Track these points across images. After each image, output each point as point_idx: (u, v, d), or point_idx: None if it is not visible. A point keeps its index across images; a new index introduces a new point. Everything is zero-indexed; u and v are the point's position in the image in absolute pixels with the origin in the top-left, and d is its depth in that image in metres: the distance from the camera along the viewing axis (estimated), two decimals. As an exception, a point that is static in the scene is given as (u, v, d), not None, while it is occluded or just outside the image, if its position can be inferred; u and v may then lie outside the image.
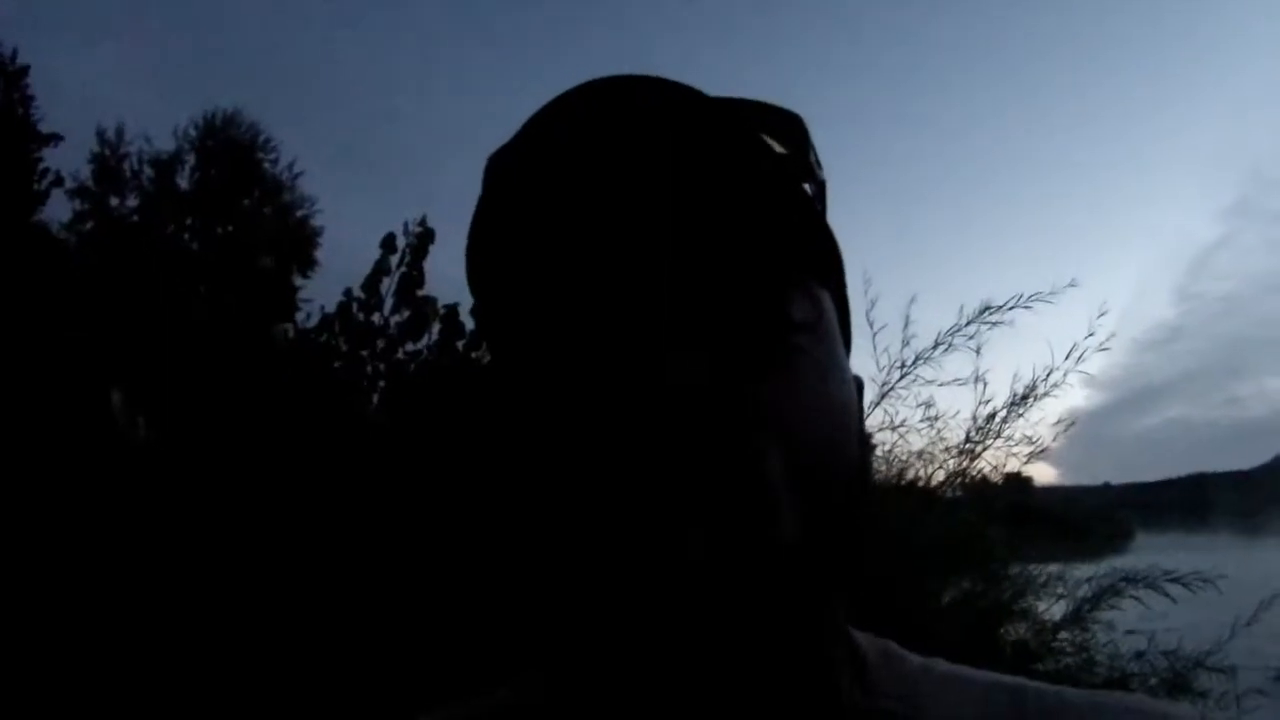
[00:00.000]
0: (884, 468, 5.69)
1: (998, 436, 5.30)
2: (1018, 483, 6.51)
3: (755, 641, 0.60)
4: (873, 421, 5.48)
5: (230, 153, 23.50)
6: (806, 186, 0.74)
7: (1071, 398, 5.68)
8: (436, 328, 5.16)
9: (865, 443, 0.77)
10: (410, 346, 5.11)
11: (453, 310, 5.19)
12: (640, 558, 0.58)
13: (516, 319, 0.71)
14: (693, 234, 0.65)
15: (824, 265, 0.75)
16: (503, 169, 0.70)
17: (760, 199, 0.68)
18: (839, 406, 0.69)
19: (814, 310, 0.71)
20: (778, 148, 0.71)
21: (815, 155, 0.77)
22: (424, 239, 5.34)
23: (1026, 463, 5.53)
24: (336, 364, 5.08)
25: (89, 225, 21.81)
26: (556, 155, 0.67)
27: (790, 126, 0.75)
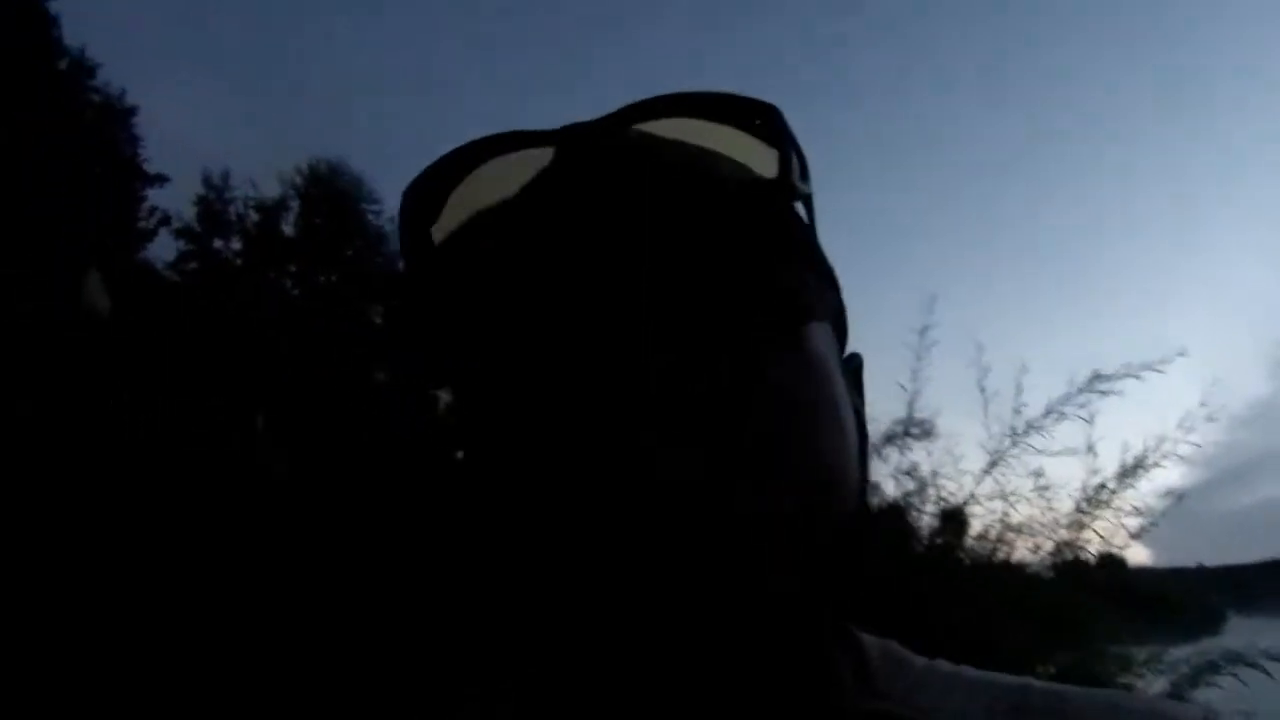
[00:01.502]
0: (989, 540, 5.66)
1: (1107, 507, 5.27)
2: (1112, 563, 6.43)
3: (752, 653, 0.61)
4: (983, 490, 5.46)
5: (334, 202, 23.79)
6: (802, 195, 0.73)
7: (1169, 476, 5.62)
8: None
9: (865, 436, 0.77)
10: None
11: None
12: (636, 568, 0.58)
13: (485, 396, 0.70)
14: (669, 302, 0.62)
15: (814, 298, 0.72)
16: (467, 236, 0.68)
17: (737, 255, 0.65)
18: (833, 453, 0.68)
19: (801, 359, 0.68)
20: (757, 151, 0.69)
21: (799, 158, 0.72)
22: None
23: (1135, 536, 5.48)
24: (439, 410, 5.15)
25: (193, 265, 22.20)
26: (518, 217, 0.66)
27: (767, 121, 0.71)
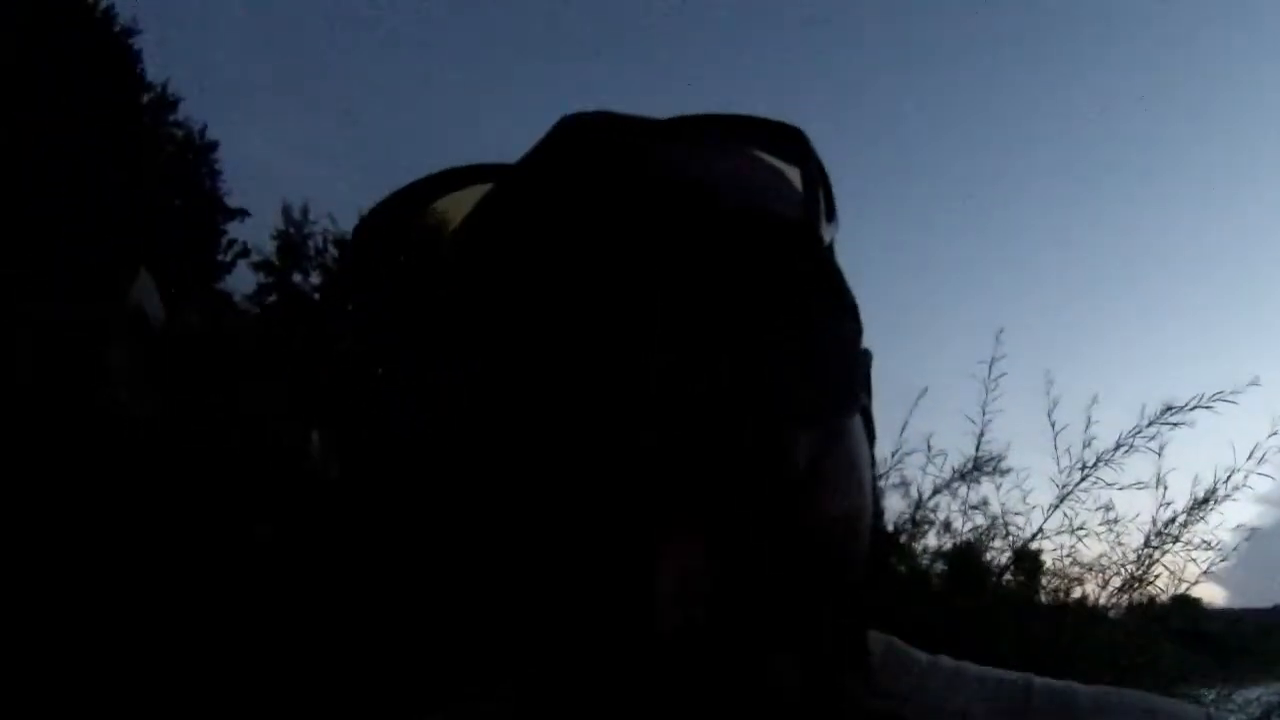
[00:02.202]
0: (1057, 579, 5.62)
1: (1176, 541, 5.21)
2: (1185, 602, 6.34)
3: (766, 654, 0.60)
4: (1051, 524, 5.41)
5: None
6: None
7: (1245, 512, 5.54)
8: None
9: (873, 436, 0.76)
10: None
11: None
12: (656, 579, 0.56)
13: (527, 326, 0.64)
14: (720, 249, 0.61)
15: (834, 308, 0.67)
16: (468, 248, 0.67)
17: (764, 331, 0.62)
18: (851, 518, 0.66)
19: (823, 440, 0.65)
20: (776, 166, 0.69)
21: (826, 191, 0.69)
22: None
23: (1205, 572, 5.41)
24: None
25: (272, 299, 22.39)
26: (517, 263, 0.63)
27: (792, 145, 0.70)
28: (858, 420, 0.70)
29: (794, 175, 0.70)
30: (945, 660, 0.80)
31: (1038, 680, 0.77)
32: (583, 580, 0.60)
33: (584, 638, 0.62)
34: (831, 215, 0.70)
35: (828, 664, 0.68)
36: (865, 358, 0.79)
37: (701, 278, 0.60)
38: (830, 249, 0.70)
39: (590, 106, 0.65)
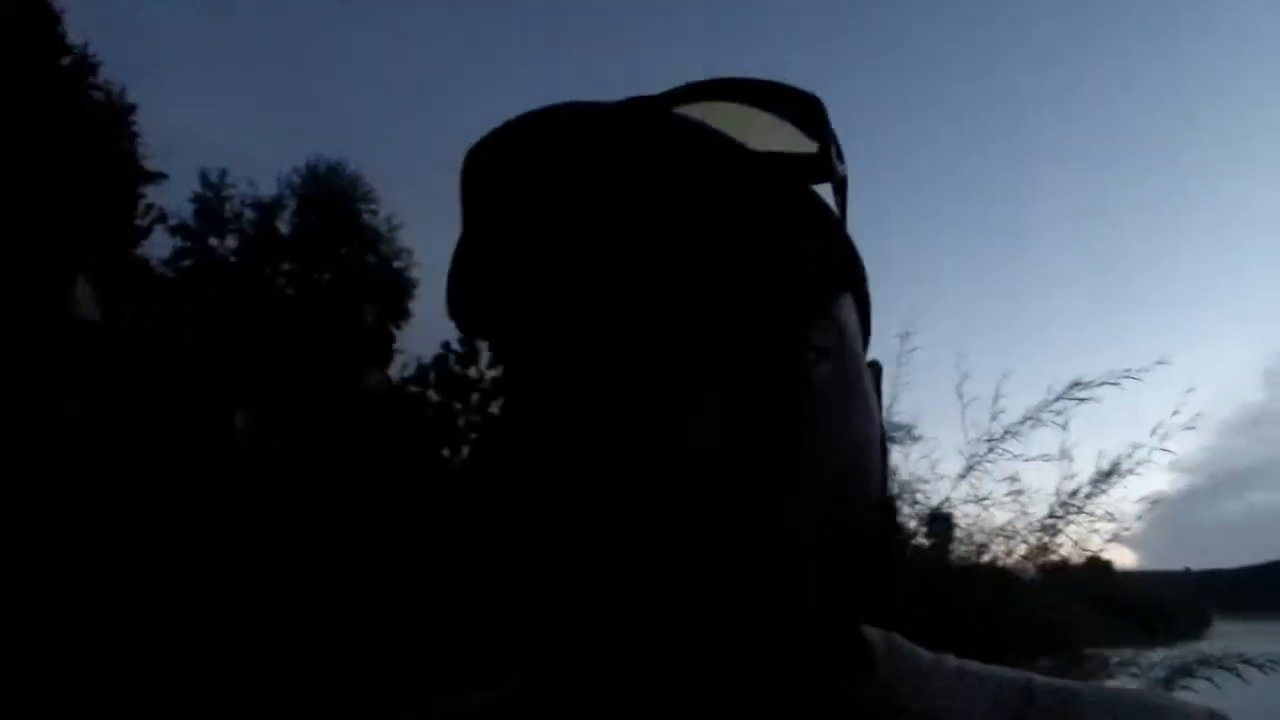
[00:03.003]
0: (967, 544, 5.69)
1: (1080, 512, 5.29)
2: (1098, 566, 6.42)
3: (767, 653, 0.60)
4: (958, 494, 5.49)
5: (331, 201, 23.67)
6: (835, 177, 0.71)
7: (1155, 481, 5.63)
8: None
9: (886, 451, 0.76)
10: (505, 401, 5.16)
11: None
12: (656, 579, 0.58)
13: (528, 345, 0.68)
14: (712, 248, 0.62)
15: (844, 273, 0.72)
16: (492, 201, 0.66)
17: (782, 218, 0.64)
18: (861, 441, 0.68)
19: (835, 331, 0.68)
20: (794, 138, 0.68)
21: (836, 146, 0.71)
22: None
23: (1109, 541, 5.50)
24: (427, 413, 5.14)
25: (188, 263, 22.09)
26: (554, 182, 0.63)
27: (807, 109, 0.70)
28: (859, 402, 0.71)
29: (807, 143, 0.69)
30: (948, 659, 0.80)
31: (1039, 679, 0.77)
32: (584, 574, 0.61)
33: (585, 632, 0.63)
34: (843, 183, 0.73)
35: (828, 662, 0.69)
36: (876, 367, 0.80)
37: (720, 221, 0.62)
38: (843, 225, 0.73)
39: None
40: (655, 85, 0.70)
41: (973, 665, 0.79)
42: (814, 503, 0.61)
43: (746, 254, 0.63)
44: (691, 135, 0.63)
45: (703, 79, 0.69)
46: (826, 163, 0.67)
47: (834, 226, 0.70)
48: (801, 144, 0.68)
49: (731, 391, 0.60)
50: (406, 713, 0.88)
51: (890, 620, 0.80)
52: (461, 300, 0.70)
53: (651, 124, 0.63)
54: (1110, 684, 5.38)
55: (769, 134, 0.67)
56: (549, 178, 0.63)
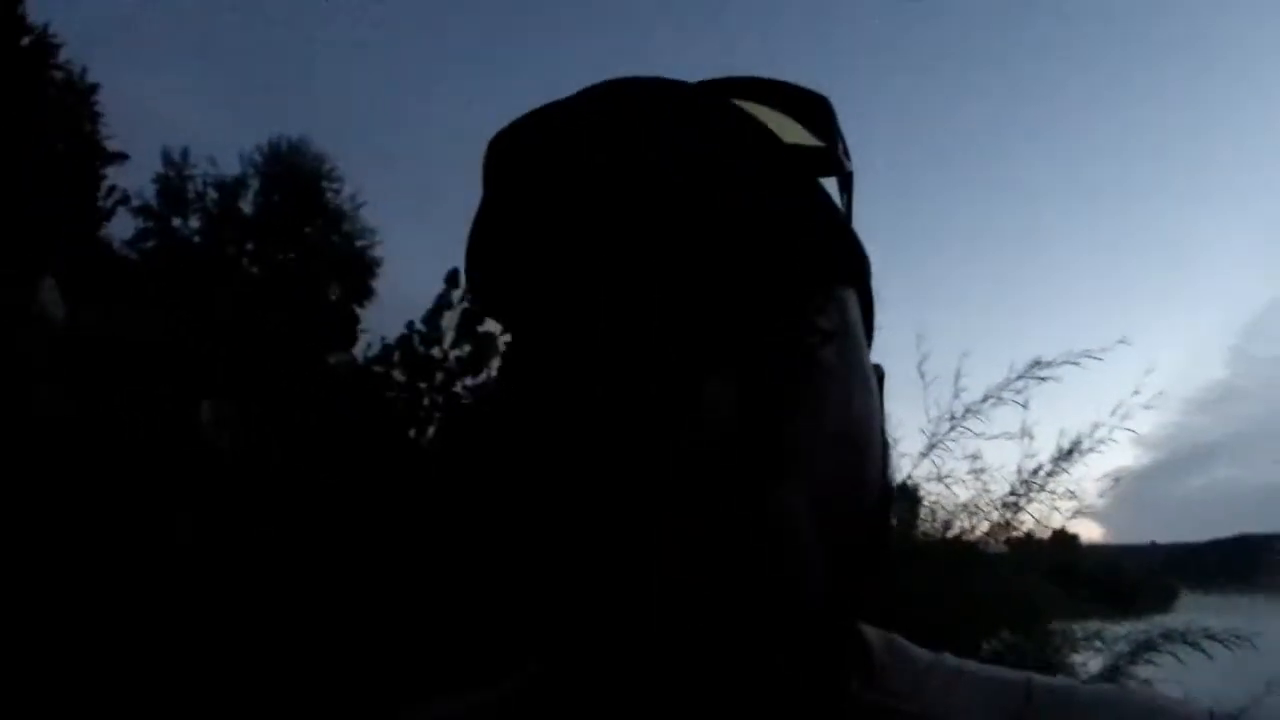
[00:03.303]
0: (930, 519, 5.71)
1: (1041, 490, 5.33)
2: (1063, 540, 6.47)
3: (768, 653, 0.59)
4: (920, 473, 5.52)
5: (294, 180, 23.61)
6: (837, 177, 0.73)
7: (1120, 456, 5.69)
8: (496, 364, 5.21)
9: (887, 445, 0.76)
10: (469, 381, 5.16)
11: (513, 346, 5.23)
12: (657, 578, 0.57)
13: (534, 323, 0.70)
14: (719, 242, 0.63)
15: (849, 265, 0.73)
16: (518, 166, 0.66)
17: (786, 206, 0.65)
18: (864, 423, 0.68)
19: (838, 316, 0.69)
20: (801, 132, 0.69)
21: (843, 143, 0.75)
22: (487, 274, 5.37)
23: (1071, 519, 5.55)
24: (392, 394, 5.12)
25: (151, 244, 21.99)
26: (582, 156, 0.64)
27: (817, 110, 0.73)
28: (860, 396, 0.71)
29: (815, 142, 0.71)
30: (947, 658, 0.80)
31: (1038, 679, 0.77)
32: (585, 573, 0.62)
33: (586, 630, 0.63)
34: (849, 179, 0.76)
35: (828, 662, 0.69)
36: (879, 371, 0.80)
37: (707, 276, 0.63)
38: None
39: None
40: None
41: (971, 665, 0.79)
42: (816, 486, 0.62)
43: (750, 241, 0.63)
44: (708, 122, 0.63)
45: (712, 78, 0.72)
46: (834, 158, 0.71)
47: (839, 219, 0.71)
48: (810, 141, 0.69)
49: (733, 377, 0.60)
50: (405, 715, 0.87)
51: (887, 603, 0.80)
52: (476, 270, 0.71)
53: (664, 115, 0.63)
54: (1076, 658, 5.45)
55: (780, 131, 0.66)
56: (561, 171, 0.64)
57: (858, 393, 0.69)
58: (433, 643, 3.46)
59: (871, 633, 0.80)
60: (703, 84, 0.70)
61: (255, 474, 4.05)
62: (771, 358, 0.63)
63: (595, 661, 0.64)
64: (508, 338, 0.76)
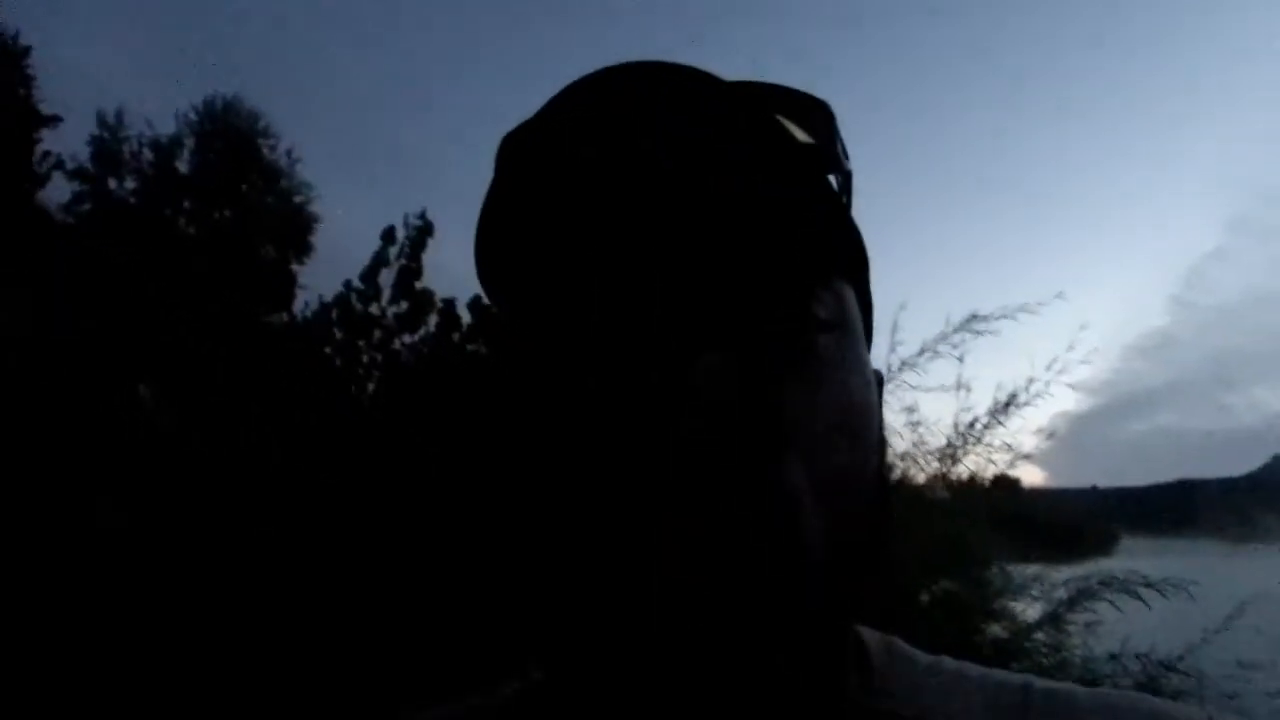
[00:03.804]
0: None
1: (978, 442, 5.37)
2: (1005, 485, 6.52)
3: (770, 652, 0.59)
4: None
5: (229, 138, 23.35)
6: (833, 177, 0.73)
7: (1060, 401, 5.73)
8: (434, 320, 5.20)
9: (884, 442, 0.76)
10: (407, 338, 5.15)
11: (450, 303, 5.23)
12: (658, 579, 0.57)
13: (532, 315, 0.70)
14: (716, 229, 0.63)
15: (848, 260, 0.73)
16: (519, 158, 0.67)
17: (784, 193, 0.65)
18: (862, 411, 0.68)
19: (838, 308, 0.69)
20: (803, 136, 0.69)
21: (842, 145, 0.75)
22: (423, 232, 5.36)
23: (1008, 468, 5.60)
24: (328, 350, 5.11)
25: (87, 207, 21.69)
26: (575, 146, 0.65)
27: (816, 114, 0.73)
28: (856, 375, 0.71)
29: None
30: (946, 660, 0.80)
31: (1037, 681, 0.77)
32: (584, 570, 0.61)
33: (586, 627, 0.63)
34: (848, 178, 0.76)
35: (827, 663, 0.69)
36: (877, 376, 0.79)
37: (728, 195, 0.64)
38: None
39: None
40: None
41: (970, 668, 0.79)
42: (815, 470, 0.62)
43: (749, 227, 0.64)
44: (707, 107, 0.63)
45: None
46: (832, 155, 0.72)
47: (839, 211, 0.71)
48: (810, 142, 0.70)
49: (732, 362, 0.59)
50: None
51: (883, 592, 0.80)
52: (483, 259, 0.71)
53: (662, 101, 0.64)
54: (1016, 605, 5.51)
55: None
56: (561, 160, 0.65)
57: (856, 385, 0.69)
58: (427, 646, 3.45)
59: (870, 635, 0.80)
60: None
61: (198, 453, 4.02)
62: (770, 344, 0.63)
63: (595, 661, 0.64)
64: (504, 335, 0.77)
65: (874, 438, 0.71)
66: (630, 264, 0.64)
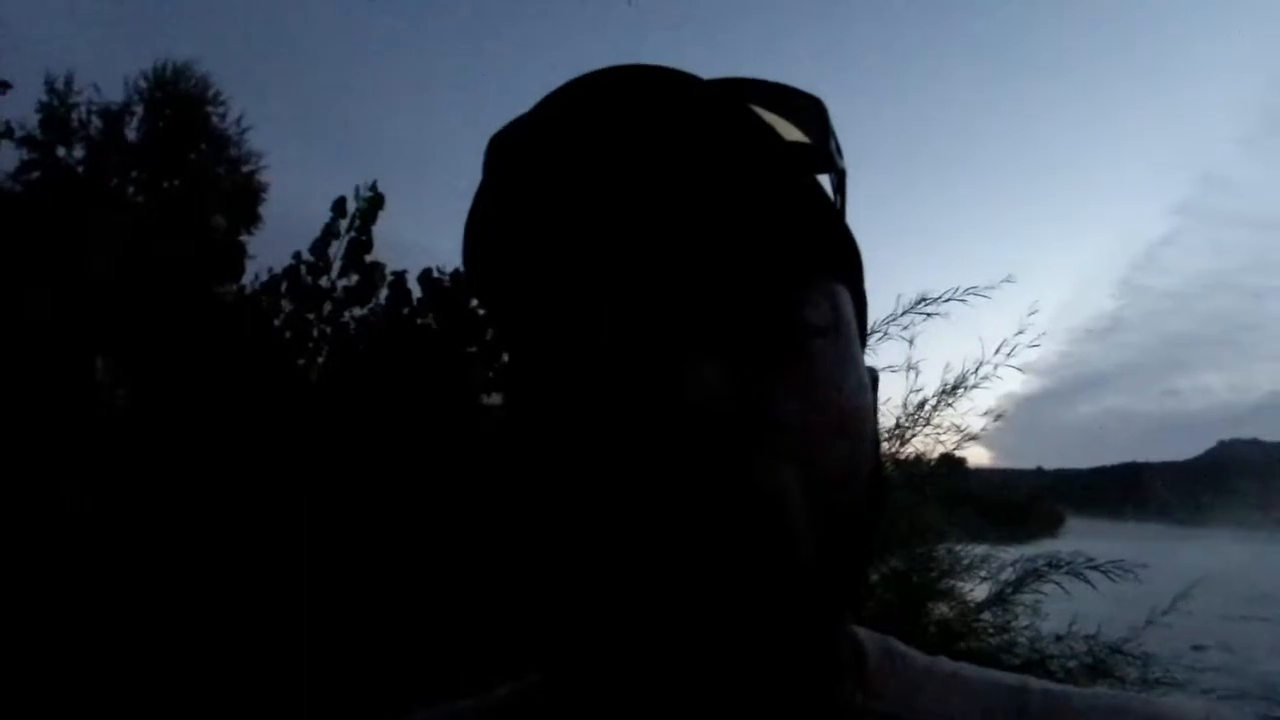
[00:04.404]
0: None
1: (927, 424, 5.41)
2: (951, 464, 6.57)
3: (761, 653, 0.59)
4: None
5: (179, 105, 23.19)
6: (829, 175, 0.74)
7: (1008, 383, 5.78)
8: (384, 293, 5.19)
9: (878, 443, 0.76)
10: (357, 311, 5.13)
11: (400, 276, 5.21)
12: (651, 581, 0.57)
13: (521, 320, 0.70)
14: (706, 232, 0.64)
15: (840, 260, 0.73)
16: (506, 163, 0.66)
17: (776, 194, 0.65)
18: (855, 413, 0.68)
19: (831, 310, 0.70)
20: (796, 134, 0.71)
21: (835, 142, 0.76)
22: (374, 204, 5.33)
23: (955, 449, 5.65)
24: (278, 322, 5.08)
25: (35, 175, 21.49)
26: (564, 153, 0.64)
27: (809, 111, 0.75)
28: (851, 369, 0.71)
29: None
30: (943, 661, 0.80)
31: (1034, 683, 0.77)
32: (577, 576, 0.62)
33: (580, 633, 0.64)
34: (842, 177, 0.78)
35: (821, 664, 0.70)
36: (873, 373, 0.80)
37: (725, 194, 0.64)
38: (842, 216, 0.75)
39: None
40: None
41: (967, 668, 0.80)
42: (805, 468, 0.62)
43: (741, 227, 0.65)
44: (700, 110, 0.62)
45: (712, 79, 0.71)
46: (825, 154, 0.73)
47: (832, 211, 0.70)
48: (803, 139, 0.72)
49: (722, 360, 0.61)
50: None
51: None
52: (470, 260, 0.71)
53: (654, 103, 0.62)
54: (963, 585, 5.55)
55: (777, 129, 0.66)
56: (551, 161, 0.65)
57: (849, 384, 0.69)
58: (419, 644, 3.43)
59: (865, 635, 0.81)
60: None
61: (156, 431, 3.98)
62: (762, 342, 0.64)
63: (588, 664, 0.65)
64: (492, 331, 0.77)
65: (868, 439, 0.71)
66: (620, 270, 0.64)
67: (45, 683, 3.21)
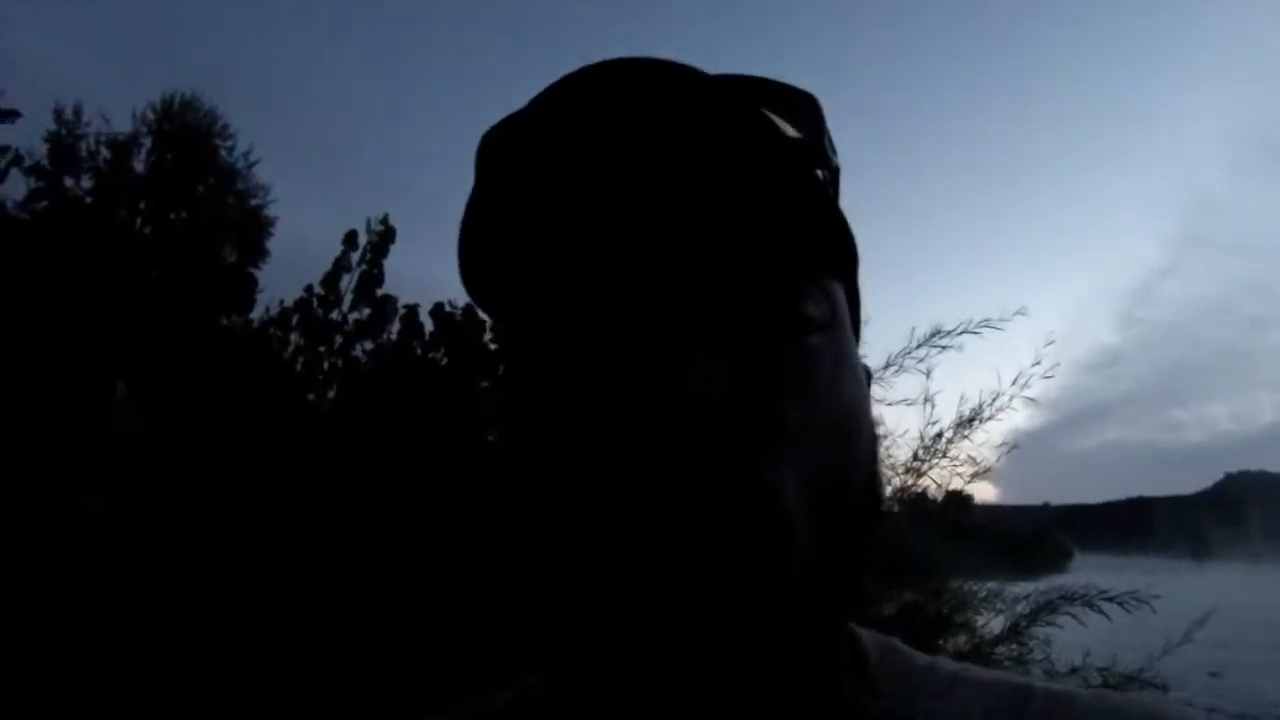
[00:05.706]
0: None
1: (943, 456, 5.39)
2: (958, 500, 6.55)
3: (760, 654, 0.59)
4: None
5: (186, 137, 23.27)
6: (820, 173, 0.73)
7: (1014, 418, 5.76)
8: (395, 326, 5.19)
9: (875, 439, 0.75)
10: (368, 344, 5.13)
11: (412, 310, 5.21)
12: (649, 578, 0.57)
13: (518, 319, 0.71)
14: (706, 226, 0.64)
15: (837, 256, 0.72)
16: (502, 160, 0.67)
17: (772, 189, 0.65)
18: (852, 410, 0.68)
19: (829, 306, 0.70)
20: (791, 131, 0.68)
21: (829, 139, 0.77)
22: (385, 237, 5.34)
23: (969, 482, 5.63)
24: (288, 354, 5.09)
25: (44, 204, 21.52)
26: (560, 148, 0.64)
27: (804, 107, 0.75)
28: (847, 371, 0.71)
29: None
30: (945, 662, 0.80)
31: (1038, 684, 0.76)
32: (576, 577, 0.61)
33: (578, 635, 0.63)
34: (836, 173, 0.79)
35: (821, 663, 0.68)
36: (866, 373, 0.79)
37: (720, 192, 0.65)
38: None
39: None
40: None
41: (969, 669, 0.79)
42: (804, 466, 0.62)
43: (739, 224, 0.65)
44: (698, 104, 0.62)
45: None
46: (819, 150, 0.73)
47: (830, 209, 0.70)
48: (797, 136, 0.69)
49: (722, 358, 0.61)
50: None
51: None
52: (467, 260, 0.71)
53: (651, 97, 0.62)
54: (978, 618, 5.53)
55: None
56: (548, 158, 0.65)
57: (847, 383, 0.69)
58: (419, 650, 3.43)
59: (867, 635, 0.81)
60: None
61: (167, 456, 3.99)
62: (762, 337, 0.64)
63: (587, 666, 0.64)
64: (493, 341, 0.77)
65: (866, 436, 0.71)
66: (620, 264, 0.64)
67: (57, 681, 3.22)
